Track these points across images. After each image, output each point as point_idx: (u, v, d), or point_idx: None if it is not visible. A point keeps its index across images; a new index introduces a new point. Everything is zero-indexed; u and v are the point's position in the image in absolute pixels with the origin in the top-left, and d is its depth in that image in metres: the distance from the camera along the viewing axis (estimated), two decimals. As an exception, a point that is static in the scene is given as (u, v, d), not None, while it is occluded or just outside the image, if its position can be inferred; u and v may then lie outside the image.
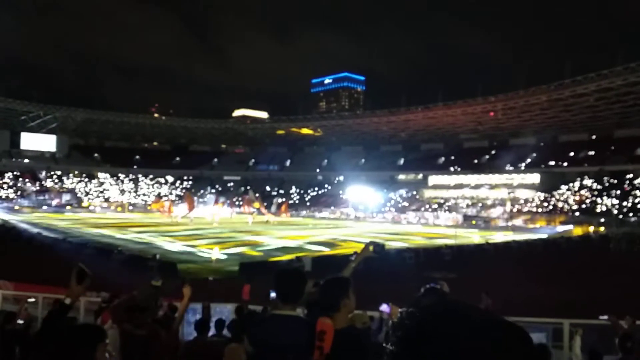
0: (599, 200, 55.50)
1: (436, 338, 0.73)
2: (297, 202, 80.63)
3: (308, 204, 79.45)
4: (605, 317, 6.08)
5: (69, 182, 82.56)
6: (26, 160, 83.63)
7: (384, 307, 3.90)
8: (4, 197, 71.63)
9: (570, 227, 49.86)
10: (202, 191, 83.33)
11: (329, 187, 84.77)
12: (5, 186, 75.08)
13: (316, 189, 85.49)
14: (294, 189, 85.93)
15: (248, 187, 79.69)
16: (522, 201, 62.14)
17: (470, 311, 0.76)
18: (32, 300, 12.06)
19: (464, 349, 0.71)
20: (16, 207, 65.73)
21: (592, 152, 64.11)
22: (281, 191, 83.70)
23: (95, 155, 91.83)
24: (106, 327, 4.18)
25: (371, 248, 3.73)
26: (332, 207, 74.38)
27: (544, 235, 42.85)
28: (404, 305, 2.74)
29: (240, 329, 4.03)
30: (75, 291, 2.72)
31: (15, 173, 78.68)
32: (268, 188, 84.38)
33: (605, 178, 58.53)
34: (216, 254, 24.54)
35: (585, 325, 8.02)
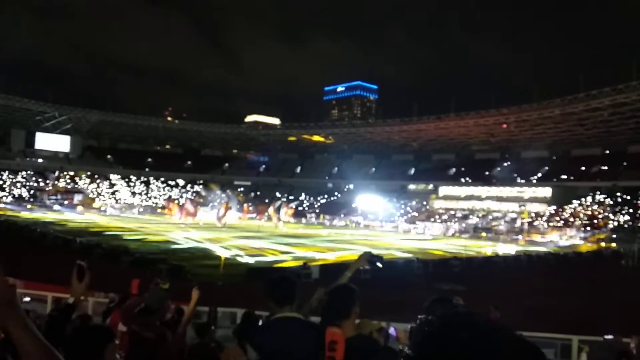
0: (611, 215, 54.96)
1: (451, 346, 0.76)
2: (306, 209, 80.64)
3: (317, 211, 79.39)
4: (611, 336, 6.03)
5: (81, 183, 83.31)
6: (40, 160, 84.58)
7: (392, 331, 3.92)
8: (17, 195, 72.47)
9: (580, 241, 49.43)
10: (212, 195, 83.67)
11: (339, 195, 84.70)
12: (18, 185, 75.97)
13: (326, 196, 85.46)
14: (303, 196, 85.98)
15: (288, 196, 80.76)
16: (532, 214, 61.66)
17: (484, 323, 0.80)
18: (28, 299, 12.14)
19: (476, 357, 0.74)
20: (29, 206, 66.40)
21: (605, 167, 63.54)
22: (291, 197, 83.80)
23: (108, 156, 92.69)
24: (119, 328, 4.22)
25: (366, 266, 3.74)
26: (342, 215, 74.27)
27: (554, 249, 42.44)
28: (414, 317, 2.74)
29: (245, 335, 4.05)
30: (77, 290, 2.73)
31: (29, 172, 79.60)
32: (278, 194, 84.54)
33: (618, 194, 57.96)
34: (226, 253, 24.56)
35: (594, 342, 7.94)
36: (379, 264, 3.64)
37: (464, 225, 62.49)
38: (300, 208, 78.31)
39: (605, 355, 5.42)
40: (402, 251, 35.25)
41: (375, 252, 3.80)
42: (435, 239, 51.29)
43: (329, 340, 2.61)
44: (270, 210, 60.66)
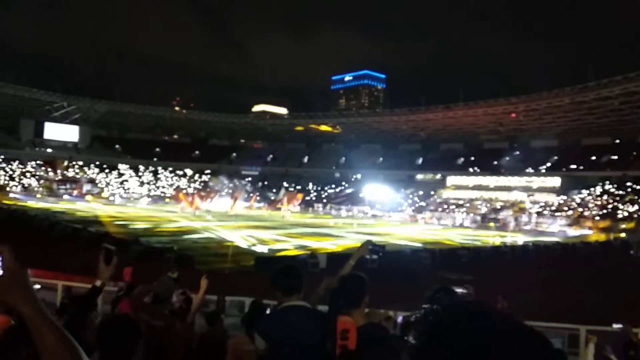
0: (620, 205, 54.58)
1: (457, 335, 0.75)
2: (314, 198, 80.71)
3: (325, 201, 79.45)
4: (620, 325, 6.02)
5: (90, 173, 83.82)
6: (49, 150, 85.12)
7: (400, 320, 3.95)
8: (26, 185, 73.07)
9: (589, 231, 49.19)
10: (220, 185, 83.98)
11: (347, 185, 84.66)
12: (28, 174, 76.55)
13: (333, 186, 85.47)
14: (311, 186, 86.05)
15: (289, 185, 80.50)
16: (542, 204, 61.38)
17: (491, 312, 0.79)
18: (38, 287, 12.24)
19: (483, 347, 0.73)
20: (38, 196, 66.93)
21: (615, 157, 63.02)
22: (298, 187, 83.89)
23: (117, 146, 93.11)
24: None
25: (373, 255, 3.75)
26: (349, 205, 74.29)
27: (562, 239, 42.27)
28: (421, 306, 2.74)
29: (253, 323, 4.08)
30: (104, 273, 2.76)
31: (38, 162, 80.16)
32: (285, 184, 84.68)
33: (628, 183, 57.52)
34: (238, 240, 24.70)
35: (602, 332, 7.92)
36: (380, 253, 3.67)
37: (472, 214, 62.35)
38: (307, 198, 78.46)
39: (614, 344, 5.41)
40: (409, 240, 35.27)
41: (379, 240, 3.83)
42: (443, 229, 51.26)
43: (341, 329, 2.62)
44: (285, 200, 60.88)
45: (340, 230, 41.66)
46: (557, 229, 51.62)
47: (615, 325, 6.16)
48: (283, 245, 29.75)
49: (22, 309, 1.18)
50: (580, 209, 56.94)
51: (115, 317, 2.74)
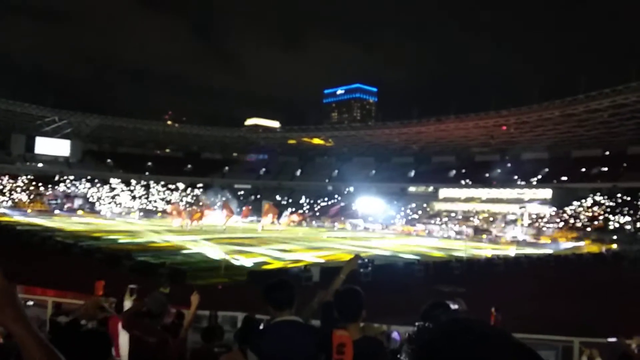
0: (611, 217, 54.90)
1: (450, 353, 0.76)
2: (306, 211, 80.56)
3: (317, 214, 79.30)
4: (614, 339, 6.03)
5: (81, 187, 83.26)
6: (40, 165, 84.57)
7: (395, 335, 3.94)
8: (17, 200, 72.44)
9: (581, 243, 49.38)
10: (212, 199, 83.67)
11: (339, 198, 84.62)
12: (18, 189, 75.92)
13: (326, 199, 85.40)
14: (303, 199, 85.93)
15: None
16: (533, 216, 61.62)
17: (484, 328, 0.80)
18: (31, 303, 12.11)
19: None
20: (29, 211, 66.34)
21: (605, 169, 63.53)
22: (290, 200, 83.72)
23: (108, 160, 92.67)
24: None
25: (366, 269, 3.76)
26: (342, 218, 74.15)
27: (554, 251, 42.40)
28: (415, 320, 2.73)
29: (246, 339, 4.05)
30: (93, 316, 2.74)
31: (29, 177, 79.56)
32: (278, 197, 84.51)
33: (619, 195, 57.94)
34: (224, 257, 24.56)
35: (595, 344, 7.93)
36: (369, 267, 3.69)
37: (464, 226, 62.45)
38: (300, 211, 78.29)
39: (609, 356, 5.42)
40: (403, 253, 35.23)
41: (369, 253, 3.83)
42: (437, 241, 51.25)
43: (337, 343, 2.61)
44: (270, 214, 60.64)
45: (333, 243, 41.57)
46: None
47: (610, 339, 6.17)
48: (274, 259, 29.63)
49: (11, 327, 1.16)
50: (572, 221, 57.24)
51: (83, 332, 2.72)
